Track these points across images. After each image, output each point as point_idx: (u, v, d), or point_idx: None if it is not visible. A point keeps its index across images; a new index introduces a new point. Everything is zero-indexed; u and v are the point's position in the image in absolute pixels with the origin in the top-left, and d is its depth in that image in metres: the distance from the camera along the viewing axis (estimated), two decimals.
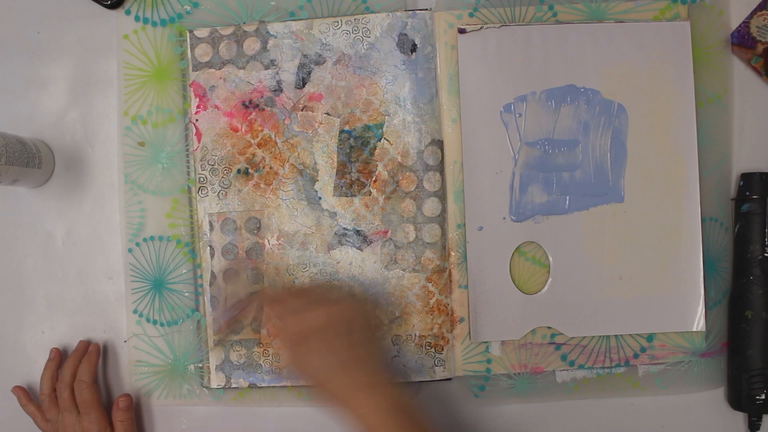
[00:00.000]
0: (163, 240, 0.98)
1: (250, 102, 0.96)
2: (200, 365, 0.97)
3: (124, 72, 0.98)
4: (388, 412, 0.78)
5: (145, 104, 0.98)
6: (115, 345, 0.99)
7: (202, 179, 0.96)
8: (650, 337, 0.96)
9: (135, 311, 0.98)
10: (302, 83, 0.96)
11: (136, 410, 0.99)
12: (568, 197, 0.95)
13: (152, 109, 0.98)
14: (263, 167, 0.96)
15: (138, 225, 0.98)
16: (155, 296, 0.98)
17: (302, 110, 0.96)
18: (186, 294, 0.98)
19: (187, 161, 0.97)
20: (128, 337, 0.98)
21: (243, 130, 0.96)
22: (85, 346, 0.98)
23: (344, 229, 0.95)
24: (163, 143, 0.98)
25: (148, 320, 0.98)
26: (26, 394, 0.98)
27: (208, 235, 0.96)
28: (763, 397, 0.92)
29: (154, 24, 0.98)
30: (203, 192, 0.96)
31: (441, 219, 0.95)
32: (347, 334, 0.82)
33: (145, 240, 0.98)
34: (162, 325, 0.98)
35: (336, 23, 0.95)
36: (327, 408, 0.83)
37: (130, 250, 0.98)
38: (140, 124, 0.98)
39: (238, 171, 0.96)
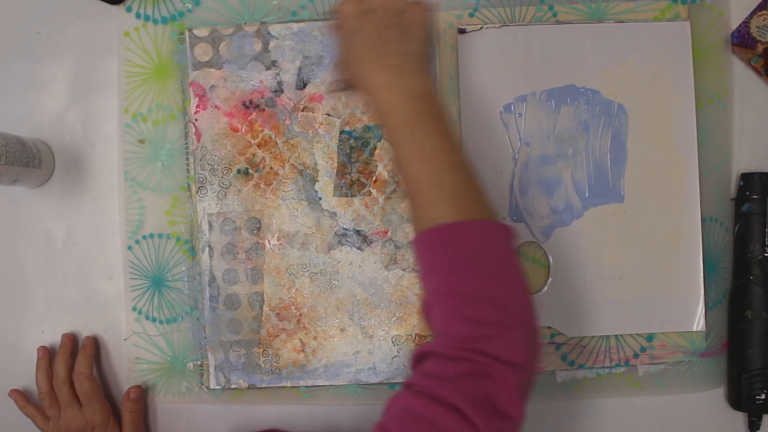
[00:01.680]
0: (163, 237, 0.98)
1: (251, 102, 0.96)
2: (199, 363, 0.97)
3: (125, 69, 0.98)
4: (415, 97, 0.78)
5: (146, 102, 0.98)
6: (115, 344, 0.99)
7: (201, 179, 0.96)
8: (650, 337, 0.96)
9: (134, 309, 0.98)
10: (303, 84, 0.96)
11: None
12: (567, 197, 0.95)
13: (152, 107, 0.98)
14: (263, 167, 0.96)
15: (137, 222, 0.98)
16: (154, 294, 0.98)
17: (303, 111, 0.96)
18: (185, 292, 0.98)
19: (187, 159, 0.97)
20: (128, 335, 0.98)
21: (243, 130, 0.96)
22: (70, 339, 0.98)
23: (344, 229, 0.95)
24: (163, 141, 0.98)
25: (147, 318, 0.98)
26: (23, 397, 0.98)
27: (207, 235, 0.96)
28: (763, 397, 0.93)
29: (155, 21, 0.98)
30: (203, 192, 0.96)
31: None
32: (409, 26, 0.81)
33: (144, 237, 0.98)
34: (161, 322, 0.98)
35: None
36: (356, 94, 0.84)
37: (129, 248, 0.98)
38: (140, 122, 0.98)
39: (238, 171, 0.96)
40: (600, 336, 0.96)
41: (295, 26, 0.96)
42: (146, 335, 0.98)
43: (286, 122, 0.96)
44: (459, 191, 0.75)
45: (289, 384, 0.96)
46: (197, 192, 0.96)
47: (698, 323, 0.95)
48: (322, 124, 0.95)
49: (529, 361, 0.70)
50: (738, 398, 0.94)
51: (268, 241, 0.96)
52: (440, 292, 0.73)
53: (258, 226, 0.96)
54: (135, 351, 0.98)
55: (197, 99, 0.96)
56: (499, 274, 0.72)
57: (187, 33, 0.97)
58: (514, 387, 0.68)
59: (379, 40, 0.80)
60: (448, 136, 0.77)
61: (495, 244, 0.73)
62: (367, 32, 0.80)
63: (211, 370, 0.97)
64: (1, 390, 1.00)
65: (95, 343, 0.98)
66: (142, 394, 0.97)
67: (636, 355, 0.96)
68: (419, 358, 0.72)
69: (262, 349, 0.96)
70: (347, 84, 0.89)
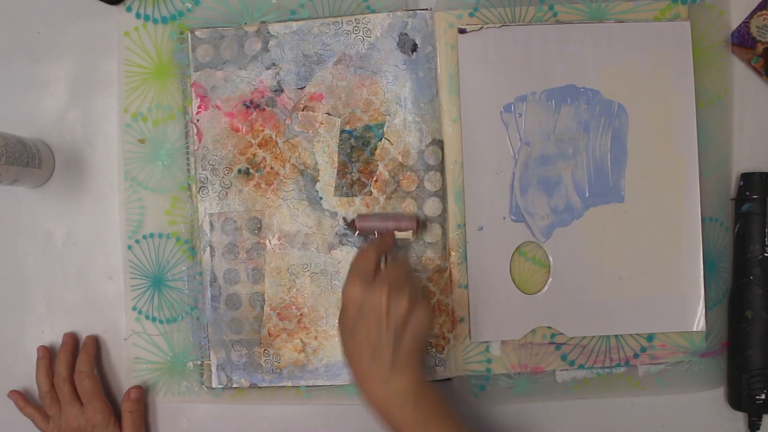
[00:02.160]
0: (163, 237, 0.98)
1: (251, 102, 0.96)
2: (199, 363, 0.97)
3: (125, 69, 0.98)
4: (404, 396, 0.81)
5: (146, 101, 0.98)
6: (115, 344, 0.99)
7: (202, 179, 0.96)
8: (650, 337, 0.96)
9: (134, 308, 0.98)
10: (303, 83, 0.96)
11: None
12: (568, 197, 0.95)
13: (152, 107, 0.98)
14: (264, 167, 0.96)
15: (137, 222, 0.98)
16: (154, 293, 0.98)
17: (303, 110, 0.96)
18: (185, 291, 0.98)
19: (187, 159, 0.97)
20: (128, 335, 0.98)
21: (244, 130, 0.96)
22: (72, 339, 0.98)
23: (345, 229, 0.95)
24: (163, 140, 0.98)
25: (147, 317, 0.98)
26: (23, 398, 0.98)
27: (209, 235, 0.96)
28: (763, 397, 0.93)
29: (155, 21, 0.98)
30: (204, 192, 0.96)
31: (441, 219, 0.95)
32: (399, 331, 0.82)
33: (144, 237, 0.98)
34: (161, 322, 0.98)
35: (337, 23, 0.95)
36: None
37: (129, 248, 0.98)
38: (140, 122, 0.98)
39: (239, 171, 0.96)
40: (600, 336, 0.96)
41: (295, 25, 0.96)
42: (146, 335, 0.98)
43: (287, 122, 0.96)
44: None
45: (290, 383, 0.96)
46: (198, 192, 0.96)
47: (698, 323, 0.95)
48: (322, 123, 0.95)
49: None
50: (738, 398, 0.94)
51: (269, 241, 0.96)
52: None
53: (259, 225, 0.96)
54: (135, 351, 0.98)
55: (199, 99, 0.96)
56: None
57: (188, 34, 0.97)
58: None
59: (369, 343, 0.81)
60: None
61: None
62: (363, 330, 0.81)
63: (213, 369, 0.97)
64: (1, 390, 1.00)
65: (96, 343, 0.98)
66: (143, 394, 0.97)
67: (636, 355, 0.96)
68: None
69: (263, 349, 0.96)
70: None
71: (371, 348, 0.81)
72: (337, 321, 0.89)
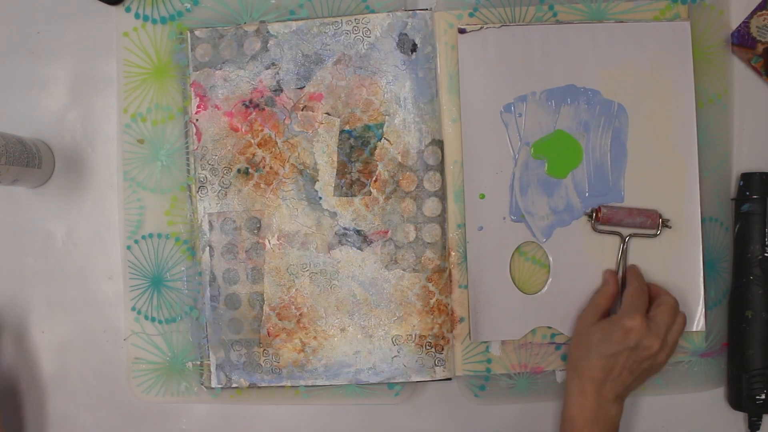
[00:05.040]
0: (162, 237, 0.98)
1: (251, 102, 0.96)
2: (198, 363, 0.97)
3: (124, 69, 0.98)
4: (591, 420, 0.87)
5: (145, 102, 0.98)
6: (115, 344, 0.99)
7: (202, 179, 0.96)
8: None
9: (133, 308, 0.98)
10: (302, 83, 0.96)
11: (135, 408, 1.00)
12: (567, 197, 0.95)
13: (152, 107, 0.98)
14: (263, 167, 0.96)
15: (137, 222, 0.98)
16: (154, 294, 0.98)
17: (302, 110, 0.96)
18: (184, 291, 0.98)
19: (187, 159, 0.97)
20: (127, 335, 0.98)
21: (243, 129, 0.96)
22: None
23: (344, 228, 0.95)
24: (163, 141, 0.98)
25: (146, 317, 0.98)
26: None
27: (208, 234, 0.96)
28: (763, 397, 0.92)
29: (154, 21, 0.98)
30: (203, 192, 0.96)
31: (441, 219, 0.95)
32: (641, 372, 0.88)
33: (143, 237, 0.98)
34: (160, 322, 0.98)
35: (336, 23, 0.95)
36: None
37: (128, 248, 0.98)
38: (140, 122, 0.98)
39: (239, 171, 0.96)
40: None
41: (294, 25, 0.96)
42: (145, 335, 0.98)
43: (286, 122, 0.96)
44: None
45: (289, 383, 0.96)
46: (198, 192, 0.96)
47: (698, 323, 0.95)
48: (321, 123, 0.95)
49: None
50: (738, 398, 0.94)
51: (269, 241, 0.96)
52: None
53: (258, 225, 0.96)
54: (134, 351, 0.98)
55: (198, 99, 0.96)
56: None
57: (188, 34, 0.97)
58: None
59: (617, 374, 0.87)
60: None
61: None
62: (618, 362, 0.87)
63: (213, 369, 0.97)
64: (1, 391, 1.00)
65: None
66: None
67: None
68: None
69: (262, 349, 0.96)
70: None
71: (611, 378, 0.87)
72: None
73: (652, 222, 0.94)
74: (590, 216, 0.95)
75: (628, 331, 0.86)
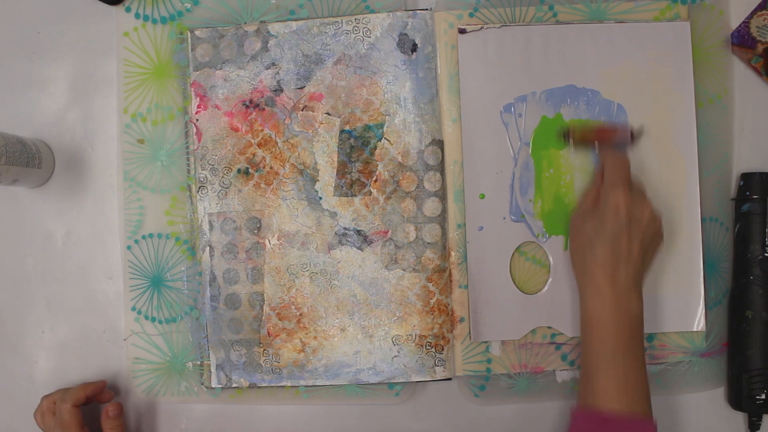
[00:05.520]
0: (162, 237, 0.98)
1: (251, 102, 0.96)
2: (199, 363, 0.97)
3: (124, 69, 0.98)
4: (613, 314, 0.84)
5: (145, 102, 0.98)
6: (115, 344, 0.99)
7: (202, 179, 0.96)
8: (650, 337, 0.96)
9: (134, 308, 0.98)
10: (303, 83, 0.96)
11: (135, 408, 1.00)
12: (568, 197, 0.95)
13: (152, 107, 0.98)
14: (263, 167, 0.96)
15: (137, 222, 0.98)
16: (154, 294, 0.98)
17: (302, 110, 0.96)
18: (184, 291, 0.98)
19: (187, 159, 0.97)
20: (127, 335, 0.98)
21: (243, 129, 0.96)
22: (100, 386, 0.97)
23: (345, 228, 0.95)
24: (163, 141, 0.98)
25: (146, 317, 0.98)
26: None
27: (208, 235, 0.96)
28: (763, 397, 0.93)
29: (155, 21, 0.98)
30: (203, 192, 0.96)
31: (441, 219, 0.95)
32: (647, 244, 0.87)
33: (143, 237, 0.98)
34: (160, 322, 0.98)
35: (336, 23, 0.95)
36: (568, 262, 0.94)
37: (128, 248, 0.98)
38: (140, 122, 0.98)
39: (239, 171, 0.96)
40: None
41: (294, 25, 0.96)
42: (146, 335, 0.98)
43: (286, 121, 0.96)
44: (635, 394, 0.83)
45: (289, 383, 0.96)
46: (198, 192, 0.96)
47: (698, 323, 0.95)
48: (322, 123, 0.95)
49: None
50: (738, 398, 0.94)
51: (269, 241, 0.96)
52: None
53: (258, 225, 0.96)
54: (134, 351, 0.98)
55: (198, 99, 0.96)
56: None
57: (188, 34, 0.97)
58: None
59: (626, 253, 0.85)
60: (644, 362, 0.85)
61: None
62: (622, 240, 0.85)
63: (213, 369, 0.97)
64: (1, 390, 1.00)
65: (102, 387, 0.97)
66: (121, 410, 0.96)
67: None
68: None
69: (262, 349, 0.96)
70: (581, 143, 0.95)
71: (621, 259, 0.85)
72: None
73: (623, 137, 0.94)
74: (564, 137, 0.95)
75: (616, 208, 0.85)
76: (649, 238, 0.86)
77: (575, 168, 0.95)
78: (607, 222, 0.85)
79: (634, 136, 0.94)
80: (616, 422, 0.81)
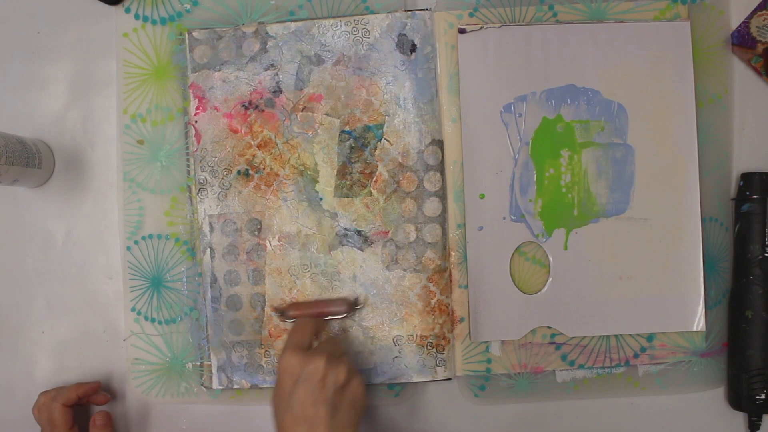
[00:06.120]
0: (162, 238, 0.98)
1: (250, 103, 0.96)
2: (198, 364, 0.97)
3: (124, 70, 0.98)
4: None
5: (145, 102, 0.98)
6: (114, 344, 0.99)
7: (201, 181, 0.96)
8: (650, 337, 0.96)
9: (133, 309, 0.98)
10: (302, 84, 0.96)
11: (134, 408, 1.00)
12: (568, 197, 0.95)
13: (151, 108, 0.98)
14: (263, 168, 0.96)
15: (136, 223, 0.98)
16: (153, 294, 0.98)
17: (302, 111, 0.96)
18: (184, 292, 0.98)
19: (187, 160, 0.97)
20: (127, 336, 0.98)
21: (243, 131, 0.96)
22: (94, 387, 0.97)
23: (345, 229, 0.95)
24: (162, 141, 0.98)
25: (146, 318, 0.98)
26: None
27: (209, 236, 0.96)
28: (763, 397, 0.93)
29: (154, 22, 0.98)
30: (203, 193, 0.96)
31: (441, 219, 0.95)
32: (331, 397, 0.81)
33: (143, 238, 0.98)
34: (160, 323, 0.98)
35: (335, 24, 0.95)
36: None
37: (128, 248, 0.98)
38: (139, 123, 0.98)
39: (238, 172, 0.96)
40: (600, 336, 0.96)
41: (293, 26, 0.96)
42: (145, 336, 0.98)
43: (286, 123, 0.96)
44: None
45: None
46: (198, 193, 0.96)
47: (698, 323, 0.95)
48: (321, 124, 0.95)
49: None
50: (738, 398, 0.94)
51: (269, 242, 0.96)
52: None
53: (259, 227, 0.96)
54: (134, 352, 0.98)
55: (197, 101, 0.96)
56: None
57: (186, 35, 0.97)
58: None
59: (305, 417, 0.79)
60: None
61: None
62: (299, 401, 0.80)
63: (214, 370, 0.97)
64: (1, 390, 1.00)
65: (96, 389, 0.97)
66: (109, 419, 0.96)
67: (636, 355, 0.96)
68: None
69: (263, 350, 0.96)
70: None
71: (307, 422, 0.79)
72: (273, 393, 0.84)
73: (338, 310, 0.94)
74: (282, 314, 0.95)
75: (284, 371, 0.82)
76: (332, 393, 0.80)
77: (575, 167, 0.95)
78: (282, 388, 0.82)
79: (357, 304, 0.94)
80: None
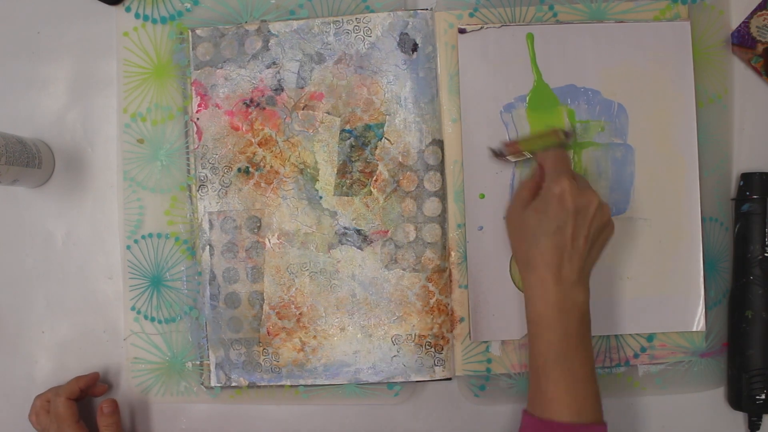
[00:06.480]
0: (162, 237, 0.98)
1: (251, 101, 0.96)
2: (198, 363, 0.97)
3: (124, 69, 0.98)
4: (558, 312, 0.82)
5: (145, 101, 0.98)
6: (114, 344, 0.99)
7: (202, 178, 0.96)
8: (650, 337, 0.96)
9: (133, 308, 0.98)
10: (303, 82, 0.96)
11: (134, 407, 1.00)
12: None
13: (151, 107, 0.98)
14: (264, 166, 0.96)
15: (136, 222, 0.98)
16: (153, 293, 0.98)
17: (303, 109, 0.96)
18: (184, 291, 0.98)
19: (186, 159, 0.97)
20: (127, 335, 0.98)
21: (244, 128, 0.96)
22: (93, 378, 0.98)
23: (345, 228, 0.95)
24: (162, 141, 0.98)
25: (146, 317, 0.98)
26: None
27: (208, 233, 0.96)
28: (763, 397, 0.92)
29: (154, 21, 0.98)
30: (203, 190, 0.96)
31: (441, 219, 0.95)
32: (595, 236, 0.84)
33: (143, 237, 0.98)
34: (160, 322, 0.98)
35: (337, 22, 0.95)
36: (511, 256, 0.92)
37: (128, 248, 0.98)
38: (139, 122, 0.98)
39: (239, 170, 0.96)
40: (600, 336, 0.96)
41: (295, 24, 0.96)
42: (145, 335, 0.98)
43: (287, 121, 0.96)
44: (584, 398, 0.82)
45: (288, 383, 0.96)
46: (198, 190, 0.96)
47: (698, 323, 0.95)
48: (322, 122, 0.95)
49: None
50: (738, 398, 0.94)
51: (269, 240, 0.96)
52: None
53: (258, 224, 0.96)
54: (134, 351, 0.98)
55: (199, 98, 0.96)
56: None
57: (189, 33, 0.97)
58: None
59: (571, 245, 0.82)
60: (592, 359, 0.83)
61: None
62: (567, 232, 0.82)
63: (212, 368, 0.96)
64: (1, 390, 1.00)
65: (95, 379, 0.98)
66: (116, 406, 0.96)
67: (636, 355, 0.96)
68: None
69: (262, 348, 0.96)
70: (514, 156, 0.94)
71: (567, 252, 0.82)
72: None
73: (564, 138, 0.92)
74: (496, 154, 0.95)
75: (561, 198, 0.82)
76: (596, 229, 0.83)
77: (576, 167, 0.95)
78: (551, 213, 0.83)
79: (568, 135, 0.92)
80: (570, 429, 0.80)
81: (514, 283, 0.95)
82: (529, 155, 0.92)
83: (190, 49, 0.97)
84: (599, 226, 0.84)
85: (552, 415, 0.80)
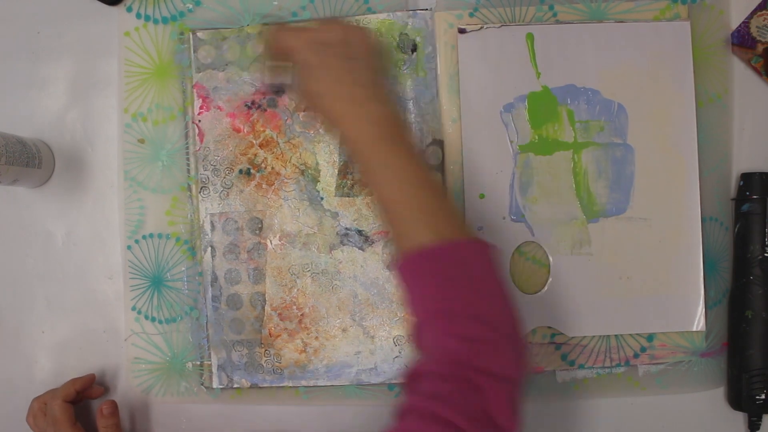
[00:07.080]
0: (162, 237, 0.98)
1: (253, 103, 0.96)
2: (199, 363, 0.97)
3: (125, 69, 0.98)
4: (374, 123, 0.79)
5: (146, 102, 0.98)
6: (115, 344, 0.99)
7: (204, 179, 0.96)
8: (650, 337, 0.96)
9: (134, 308, 0.98)
10: None
11: (135, 408, 1.00)
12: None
13: (152, 107, 0.98)
14: (265, 167, 0.96)
15: (137, 222, 0.98)
16: (154, 294, 0.98)
17: (304, 110, 0.96)
18: (185, 291, 0.98)
19: (187, 159, 0.97)
20: (127, 335, 0.98)
21: (245, 130, 0.96)
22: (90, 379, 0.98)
23: (346, 229, 0.95)
24: (164, 141, 0.98)
25: (146, 318, 0.98)
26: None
27: (210, 235, 0.96)
28: (763, 397, 0.93)
29: (156, 22, 0.98)
30: (205, 192, 0.96)
31: None
32: (358, 56, 0.82)
33: (144, 237, 0.98)
34: (160, 322, 0.98)
35: None
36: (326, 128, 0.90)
37: (129, 248, 0.98)
38: (140, 122, 0.98)
39: (240, 171, 0.96)
40: (600, 336, 0.96)
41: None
42: (146, 335, 0.98)
43: (288, 122, 0.96)
44: (434, 211, 0.76)
45: (290, 384, 0.96)
46: (200, 192, 0.96)
47: (698, 323, 0.95)
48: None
49: (518, 374, 0.71)
50: (738, 398, 0.94)
51: (270, 241, 0.96)
52: (429, 314, 0.74)
53: (260, 226, 0.96)
54: (134, 351, 0.98)
55: (201, 100, 0.96)
56: (485, 292, 0.73)
57: (190, 35, 0.97)
58: (505, 400, 0.69)
59: (336, 74, 0.80)
60: (414, 158, 0.78)
61: (477, 263, 0.74)
62: (329, 67, 0.80)
63: (214, 369, 0.97)
64: (1, 390, 1.00)
65: (91, 381, 0.98)
66: (116, 408, 0.95)
67: (636, 355, 0.96)
68: (414, 378, 0.73)
69: (264, 349, 0.96)
70: (279, 86, 0.90)
71: (336, 76, 0.80)
72: None
73: None
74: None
75: (302, 52, 0.81)
76: (343, 53, 0.81)
77: (576, 167, 0.95)
78: (310, 72, 0.81)
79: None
80: (445, 249, 0.74)
81: (514, 283, 0.95)
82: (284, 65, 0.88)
83: (191, 51, 0.97)
84: (342, 44, 0.81)
85: (421, 242, 0.74)
